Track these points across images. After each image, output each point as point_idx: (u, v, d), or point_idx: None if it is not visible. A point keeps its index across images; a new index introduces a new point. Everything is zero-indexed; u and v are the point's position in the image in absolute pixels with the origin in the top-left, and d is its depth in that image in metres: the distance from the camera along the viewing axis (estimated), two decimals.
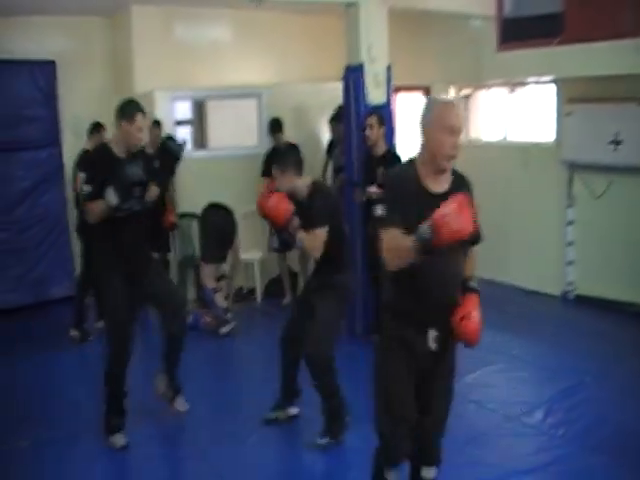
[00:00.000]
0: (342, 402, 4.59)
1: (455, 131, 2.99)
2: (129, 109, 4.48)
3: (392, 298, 3.17)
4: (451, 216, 2.75)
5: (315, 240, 4.45)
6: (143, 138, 4.56)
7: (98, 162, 4.49)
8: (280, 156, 4.91)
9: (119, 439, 4.60)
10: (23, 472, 4.35)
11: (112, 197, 4.29)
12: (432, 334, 3.11)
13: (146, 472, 4.39)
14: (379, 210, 2.99)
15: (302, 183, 4.61)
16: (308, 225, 4.46)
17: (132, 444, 4.66)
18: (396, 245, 2.89)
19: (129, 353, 4.64)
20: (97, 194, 4.32)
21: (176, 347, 4.93)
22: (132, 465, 4.51)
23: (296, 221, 4.46)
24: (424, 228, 2.76)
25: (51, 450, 4.57)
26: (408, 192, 3.01)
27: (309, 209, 4.49)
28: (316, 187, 4.66)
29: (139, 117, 4.45)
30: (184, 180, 7.53)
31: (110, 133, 7.59)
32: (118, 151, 4.48)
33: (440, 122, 2.98)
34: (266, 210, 4.49)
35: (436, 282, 3.09)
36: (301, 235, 4.48)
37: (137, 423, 4.94)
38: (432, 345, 3.11)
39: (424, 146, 3.07)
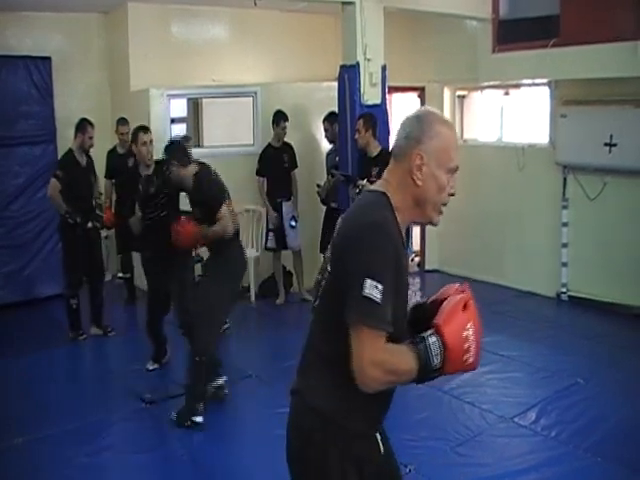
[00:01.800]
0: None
1: (457, 169, 2.14)
2: (134, 133, 5.71)
3: (342, 403, 2.12)
4: (470, 338, 2.02)
5: (223, 220, 4.80)
6: (149, 149, 5.61)
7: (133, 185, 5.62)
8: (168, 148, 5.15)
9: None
10: (18, 469, 4.33)
11: (137, 210, 5.45)
12: (378, 436, 2.27)
13: (139, 470, 4.39)
14: (369, 289, 1.91)
15: (188, 172, 4.93)
16: (206, 212, 4.85)
17: (126, 443, 4.67)
18: (396, 367, 1.97)
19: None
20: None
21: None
22: (125, 463, 4.50)
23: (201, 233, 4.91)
24: (433, 348, 1.96)
25: (46, 447, 4.56)
26: (400, 259, 2.06)
27: (202, 195, 4.90)
28: (199, 172, 4.97)
29: (140, 134, 5.59)
30: None
31: (101, 131, 7.67)
32: (142, 170, 5.65)
33: (446, 155, 2.09)
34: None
35: None
36: (206, 231, 4.86)
37: (131, 422, 4.96)
38: (381, 448, 2.27)
39: (406, 185, 2.11)
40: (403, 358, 1.96)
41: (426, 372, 1.97)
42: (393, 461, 2.37)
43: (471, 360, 2.02)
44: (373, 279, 1.91)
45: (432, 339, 1.97)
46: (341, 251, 2.06)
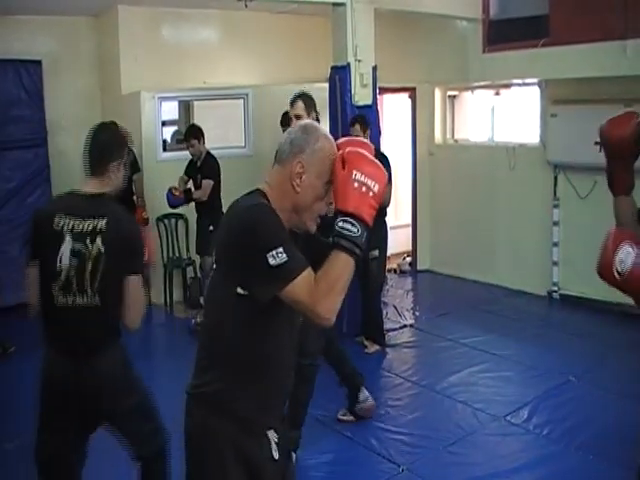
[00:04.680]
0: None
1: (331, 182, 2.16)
2: None
3: (225, 391, 2.18)
4: (362, 179, 2.05)
5: None
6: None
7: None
8: None
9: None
10: (8, 474, 4.32)
11: None
12: (273, 437, 2.26)
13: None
14: (274, 259, 1.99)
15: None
16: None
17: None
18: (334, 279, 2.01)
19: None
20: None
21: None
22: (117, 466, 4.49)
23: None
24: (343, 226, 2.02)
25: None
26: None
27: None
28: None
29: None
30: (170, 180, 7.51)
31: None
32: None
33: (324, 168, 2.16)
34: None
35: (288, 351, 2.30)
36: None
37: None
38: (275, 453, 2.24)
39: (285, 190, 2.18)
40: (332, 266, 2.02)
41: (356, 243, 2.03)
42: (287, 475, 2.37)
43: (377, 187, 2.06)
44: (271, 250, 2.00)
45: (339, 224, 2.04)
46: (228, 243, 2.14)
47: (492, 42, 7.75)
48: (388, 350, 6.36)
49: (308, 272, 2.04)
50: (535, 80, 7.73)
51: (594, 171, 7.09)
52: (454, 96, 9.20)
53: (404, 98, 9.39)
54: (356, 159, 2.08)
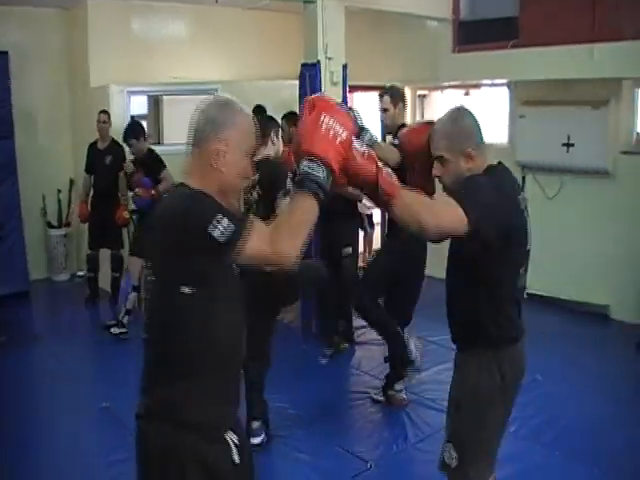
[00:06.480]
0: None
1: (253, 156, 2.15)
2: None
3: (185, 401, 2.08)
4: (330, 122, 2.02)
5: None
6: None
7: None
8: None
9: None
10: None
11: None
12: (232, 439, 2.15)
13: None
14: (216, 229, 1.90)
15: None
16: None
17: (91, 445, 4.63)
18: (295, 221, 1.98)
19: None
20: None
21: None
22: (95, 465, 4.46)
23: None
24: (309, 165, 1.97)
25: (21, 450, 4.50)
26: None
27: None
28: None
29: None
30: None
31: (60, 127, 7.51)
32: None
33: (245, 139, 2.11)
34: None
35: (241, 343, 2.23)
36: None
37: (94, 424, 4.92)
38: (235, 457, 2.13)
39: (208, 172, 2.07)
40: (296, 210, 1.98)
41: (321, 186, 1.97)
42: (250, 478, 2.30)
43: (345, 134, 2.02)
44: (211, 221, 1.90)
45: (304, 163, 1.98)
46: (164, 243, 2.02)
47: (462, 42, 7.82)
48: (357, 347, 6.37)
49: (258, 225, 1.97)
50: (504, 81, 7.79)
51: (561, 172, 7.19)
52: (424, 95, 9.24)
53: (374, 96, 9.40)
54: (326, 104, 2.05)
